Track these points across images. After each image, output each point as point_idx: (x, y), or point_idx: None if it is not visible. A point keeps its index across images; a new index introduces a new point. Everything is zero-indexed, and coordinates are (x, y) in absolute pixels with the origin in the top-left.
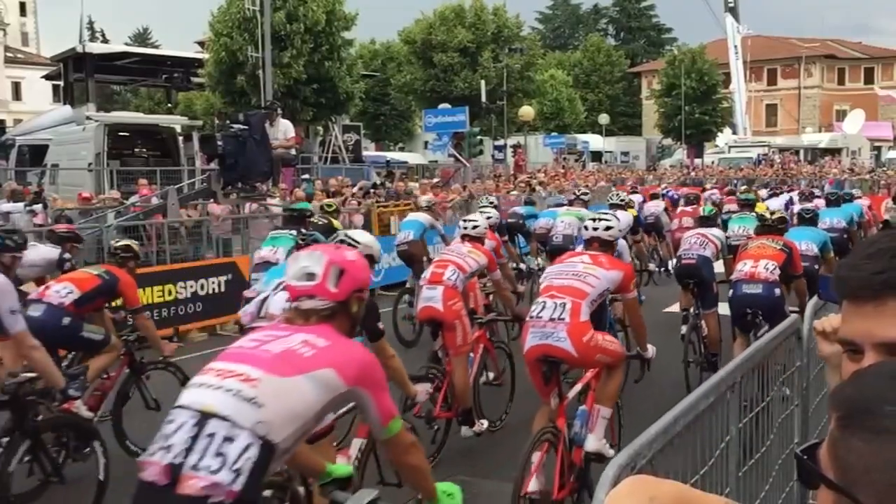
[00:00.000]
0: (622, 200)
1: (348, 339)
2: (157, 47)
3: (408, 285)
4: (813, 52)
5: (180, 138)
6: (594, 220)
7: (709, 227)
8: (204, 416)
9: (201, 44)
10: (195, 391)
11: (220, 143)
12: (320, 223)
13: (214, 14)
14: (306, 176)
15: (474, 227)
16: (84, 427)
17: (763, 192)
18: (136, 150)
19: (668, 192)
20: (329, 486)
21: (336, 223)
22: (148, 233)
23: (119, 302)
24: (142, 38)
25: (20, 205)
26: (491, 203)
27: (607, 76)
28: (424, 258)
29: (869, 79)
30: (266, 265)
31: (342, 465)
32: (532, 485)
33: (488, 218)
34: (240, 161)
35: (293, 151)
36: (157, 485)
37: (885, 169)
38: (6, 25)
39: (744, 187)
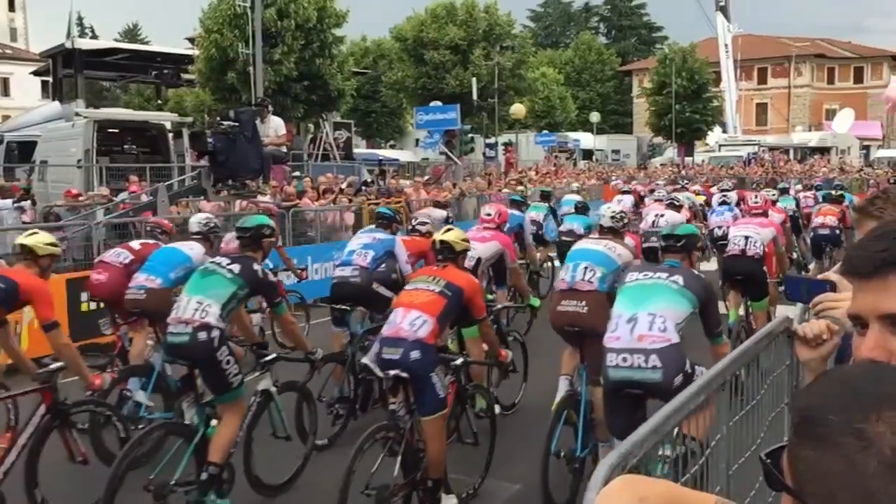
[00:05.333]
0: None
1: None
2: (146, 43)
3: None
4: (803, 52)
5: (170, 135)
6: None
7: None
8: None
9: (191, 40)
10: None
11: (210, 139)
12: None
13: (205, 10)
14: (297, 173)
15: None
16: None
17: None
18: (126, 146)
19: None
20: None
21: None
22: (137, 230)
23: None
24: (131, 34)
25: (8, 201)
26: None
27: (598, 74)
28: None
29: (858, 78)
30: (533, 223)
31: None
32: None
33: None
34: (230, 158)
35: (284, 149)
36: (737, 255)
37: (873, 168)
38: None
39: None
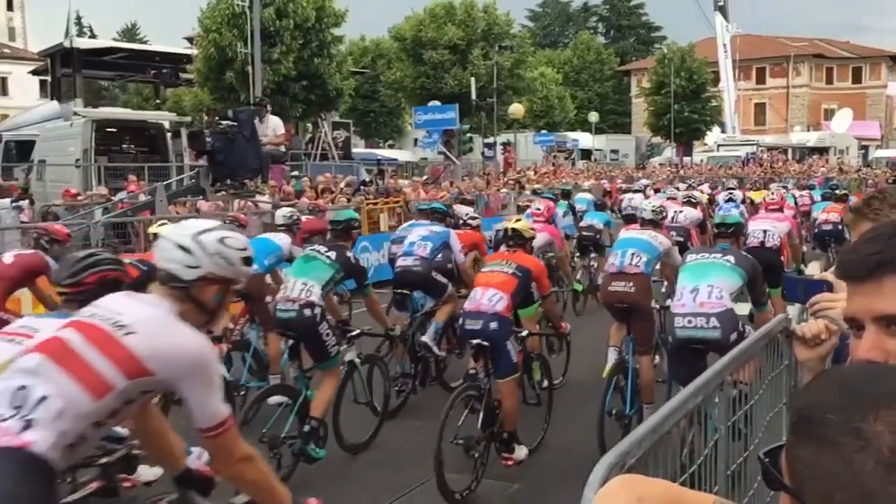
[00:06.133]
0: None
1: None
2: (145, 43)
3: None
4: (801, 52)
5: (169, 135)
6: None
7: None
8: None
9: (190, 39)
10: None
11: (208, 139)
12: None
13: (203, 10)
14: (296, 173)
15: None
16: None
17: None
18: (124, 146)
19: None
20: None
21: None
22: (136, 229)
23: None
24: (130, 33)
25: (6, 201)
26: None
27: (597, 74)
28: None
29: (857, 78)
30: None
31: None
32: None
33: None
34: (229, 158)
35: (282, 148)
36: (756, 247)
37: (872, 168)
38: None
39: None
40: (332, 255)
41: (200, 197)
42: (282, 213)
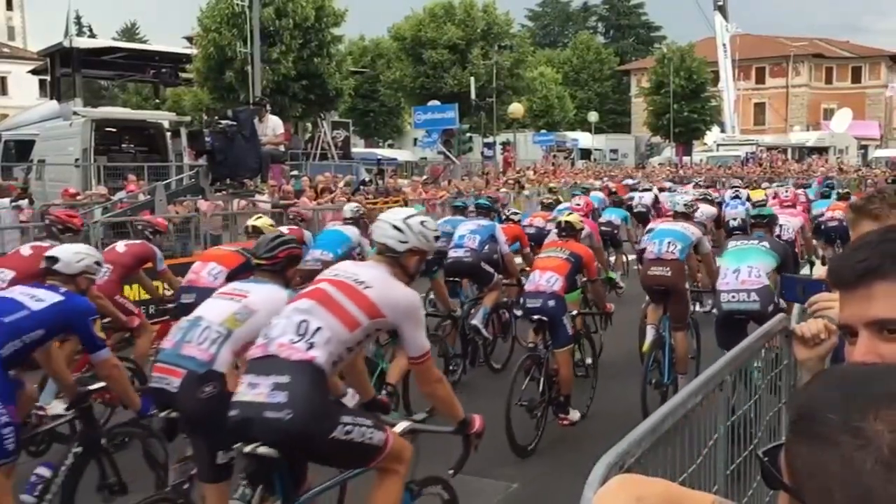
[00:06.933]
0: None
1: None
2: (145, 42)
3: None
4: (801, 51)
5: (168, 134)
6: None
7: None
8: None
9: (189, 39)
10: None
11: (208, 139)
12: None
13: (203, 9)
14: (295, 172)
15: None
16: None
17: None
18: (124, 145)
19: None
20: None
21: None
22: (135, 229)
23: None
24: (129, 33)
25: (6, 200)
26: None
27: (597, 74)
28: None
29: (856, 78)
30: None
31: None
32: None
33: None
34: (228, 157)
35: (282, 148)
36: None
37: (871, 167)
38: None
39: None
40: None
41: (200, 196)
42: (349, 208)
